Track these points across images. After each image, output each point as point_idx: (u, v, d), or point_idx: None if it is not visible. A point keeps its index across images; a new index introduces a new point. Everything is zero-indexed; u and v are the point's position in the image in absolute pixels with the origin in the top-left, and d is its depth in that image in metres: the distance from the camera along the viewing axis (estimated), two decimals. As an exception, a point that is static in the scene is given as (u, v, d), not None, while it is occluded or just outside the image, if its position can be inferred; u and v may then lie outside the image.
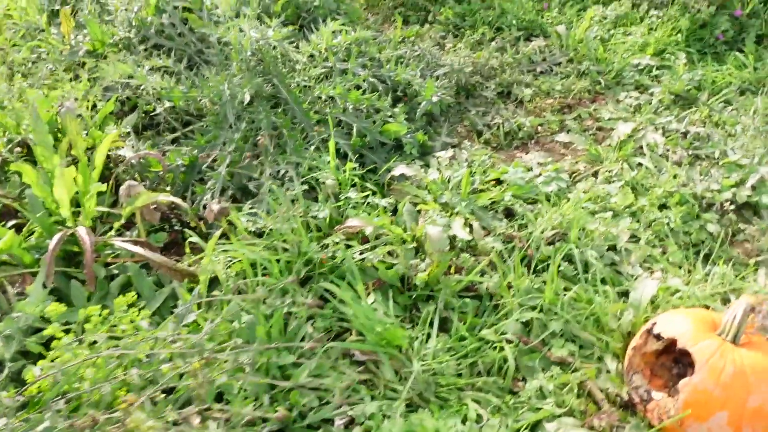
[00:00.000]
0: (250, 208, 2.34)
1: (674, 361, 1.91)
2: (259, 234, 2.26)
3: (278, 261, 2.05)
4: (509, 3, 4.15)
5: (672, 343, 1.79)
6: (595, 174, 2.83)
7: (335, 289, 1.98)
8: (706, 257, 2.39)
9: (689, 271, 2.33)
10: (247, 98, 2.64)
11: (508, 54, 3.59)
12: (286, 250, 2.11)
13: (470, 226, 2.39)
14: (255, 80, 2.74)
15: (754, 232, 2.47)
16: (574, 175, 2.84)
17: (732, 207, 2.52)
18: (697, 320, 1.80)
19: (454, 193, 2.53)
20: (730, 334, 1.74)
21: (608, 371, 1.92)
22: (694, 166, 2.77)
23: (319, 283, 2.06)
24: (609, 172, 2.80)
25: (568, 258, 2.31)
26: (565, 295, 2.11)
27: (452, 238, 2.32)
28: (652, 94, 3.29)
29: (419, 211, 2.45)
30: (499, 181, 2.68)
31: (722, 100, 3.21)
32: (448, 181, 2.65)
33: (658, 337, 1.83)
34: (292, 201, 2.35)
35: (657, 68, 3.52)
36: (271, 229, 2.19)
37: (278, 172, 2.55)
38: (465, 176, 2.53)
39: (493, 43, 3.73)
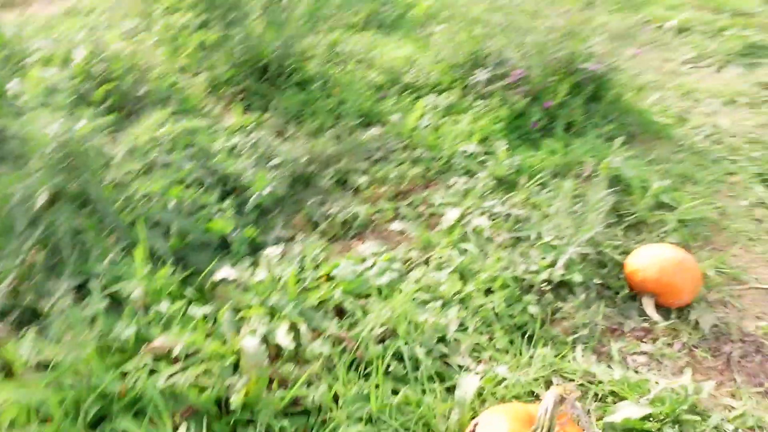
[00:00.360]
0: (37, 334, 2.02)
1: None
2: (47, 365, 1.94)
3: (63, 401, 1.75)
4: (349, 92, 4.28)
5: (494, 445, 1.76)
6: (427, 261, 2.87)
7: (133, 428, 1.72)
8: (530, 338, 2.46)
9: (515, 356, 2.37)
10: (43, 200, 2.34)
11: (345, 142, 3.65)
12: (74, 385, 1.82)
13: (297, 330, 2.26)
14: (56, 179, 2.46)
15: (569, 309, 2.61)
16: (408, 263, 2.85)
17: (549, 287, 2.66)
18: (513, 419, 1.79)
19: (282, 295, 2.40)
20: (544, 430, 1.75)
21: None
22: (516, 248, 2.92)
23: (116, 422, 1.78)
24: (440, 258, 2.85)
25: (399, 355, 2.25)
26: (394, 399, 2.02)
27: (278, 347, 2.17)
28: (478, 179, 3.48)
29: (243, 318, 2.28)
30: (330, 277, 2.61)
31: (538, 183, 3.48)
32: (278, 280, 2.52)
33: (480, 439, 1.79)
34: (92, 320, 2.06)
35: (483, 154, 3.76)
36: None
37: (79, 285, 2.25)
38: (292, 275, 2.42)
39: (331, 131, 3.77)
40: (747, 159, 4.06)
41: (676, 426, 2.08)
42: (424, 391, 2.09)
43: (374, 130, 3.87)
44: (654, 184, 3.33)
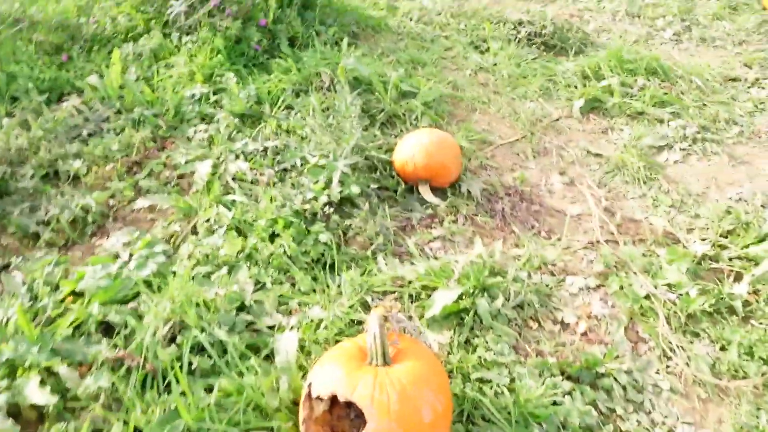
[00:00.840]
0: None
1: (349, 406, 1.70)
2: None
3: None
4: (13, 64, 3.35)
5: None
6: (195, 230, 2.45)
7: None
8: (332, 267, 2.30)
9: (324, 291, 2.19)
10: None
11: (36, 126, 2.86)
12: None
13: (56, 374, 1.72)
14: None
15: (359, 224, 2.49)
16: (173, 239, 2.40)
17: (332, 209, 2.49)
18: (346, 360, 1.61)
19: (17, 341, 1.79)
20: (379, 357, 1.61)
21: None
22: (285, 182, 2.67)
23: None
24: (207, 221, 2.46)
25: (199, 347, 1.88)
26: (210, 399, 1.68)
27: (37, 407, 1.62)
28: (218, 122, 3.07)
29: (-33, 395, 1.64)
30: (78, 293, 2.05)
31: (284, 108, 3.21)
32: (5, 325, 1.89)
33: (319, 398, 1.58)
34: None
35: (213, 94, 3.32)
36: None
37: None
38: (20, 312, 1.82)
39: (11, 120, 2.92)
40: (456, 32, 4.33)
41: (485, 293, 2.15)
42: (241, 374, 1.78)
43: (70, 102, 3.12)
44: (391, 76, 3.32)
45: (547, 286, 2.30)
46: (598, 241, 2.55)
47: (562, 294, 2.29)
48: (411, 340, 1.73)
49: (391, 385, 1.51)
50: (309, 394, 1.59)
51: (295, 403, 1.74)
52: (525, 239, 2.55)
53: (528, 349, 2.06)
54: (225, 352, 1.89)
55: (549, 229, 2.66)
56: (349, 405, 1.69)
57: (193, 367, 1.81)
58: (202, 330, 1.90)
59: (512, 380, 1.91)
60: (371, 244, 2.45)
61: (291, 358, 1.75)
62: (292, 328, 1.98)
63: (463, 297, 2.12)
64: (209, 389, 1.75)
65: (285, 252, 2.30)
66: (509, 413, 1.76)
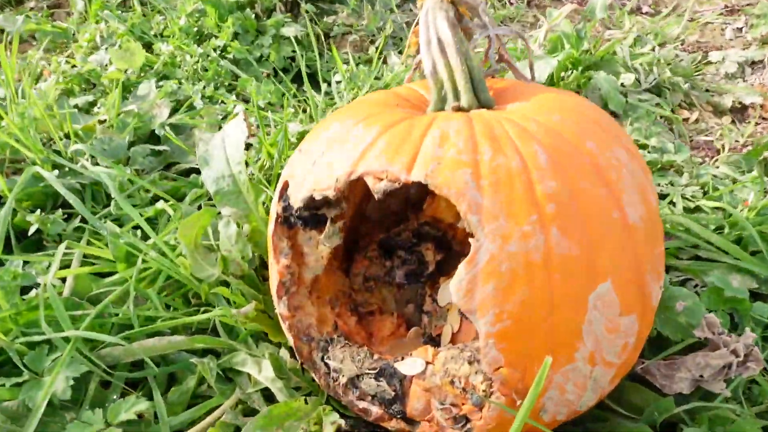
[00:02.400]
0: None
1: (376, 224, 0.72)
2: None
3: None
4: None
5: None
6: (72, 56, 1.41)
7: None
8: (313, 80, 1.29)
9: (302, 102, 1.19)
10: None
11: None
12: None
13: None
14: None
15: (348, 19, 1.48)
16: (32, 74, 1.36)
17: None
18: (378, 110, 0.61)
19: None
20: (465, 88, 0.61)
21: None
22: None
23: None
24: (90, 41, 1.42)
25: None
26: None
27: None
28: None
29: None
30: None
31: None
32: None
33: (311, 213, 0.59)
34: None
35: None
36: None
37: None
38: None
39: None
40: None
41: (595, 70, 1.17)
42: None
43: None
44: None
45: (687, 63, 1.32)
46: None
47: (711, 75, 1.32)
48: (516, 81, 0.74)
49: (523, 137, 0.52)
50: (285, 216, 0.60)
51: (265, 266, 0.77)
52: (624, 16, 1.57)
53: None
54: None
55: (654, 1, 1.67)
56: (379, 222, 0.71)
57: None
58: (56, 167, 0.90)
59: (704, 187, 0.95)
60: (372, 42, 1.44)
61: (235, 158, 0.76)
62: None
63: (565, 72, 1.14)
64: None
65: (225, 54, 1.28)
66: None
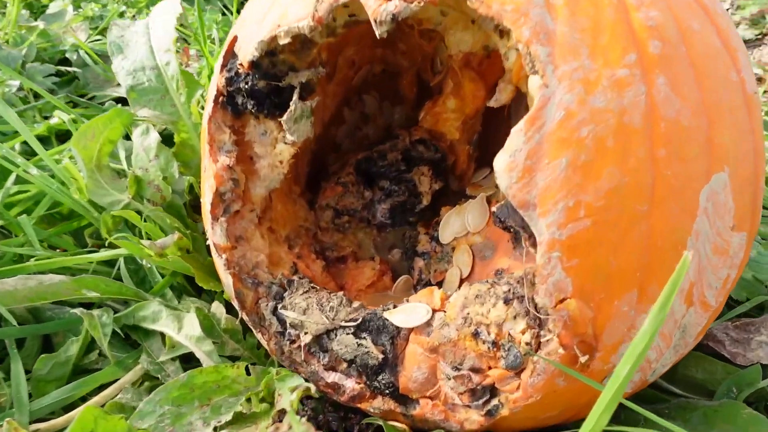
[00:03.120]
0: None
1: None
2: None
3: None
4: None
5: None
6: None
7: None
8: None
9: None
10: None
11: None
12: None
13: None
14: None
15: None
16: None
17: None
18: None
19: None
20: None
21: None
22: None
23: None
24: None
25: None
26: None
27: None
28: None
29: None
30: None
31: None
32: None
33: (269, 85, 0.39)
34: None
35: None
36: None
37: None
38: None
39: None
40: None
41: None
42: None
43: None
44: None
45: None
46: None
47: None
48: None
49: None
50: (228, 67, 0.40)
51: (197, 199, 0.56)
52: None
53: None
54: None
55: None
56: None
57: None
58: None
59: None
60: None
61: (162, 44, 0.55)
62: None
63: None
64: None
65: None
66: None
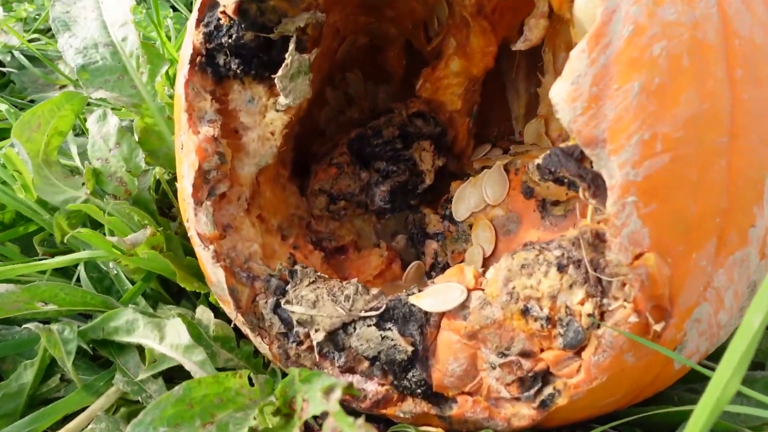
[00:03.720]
0: None
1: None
2: None
3: None
4: None
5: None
6: None
7: None
8: None
9: None
10: None
11: None
12: None
13: None
14: None
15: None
16: None
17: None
18: None
19: None
20: None
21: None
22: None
23: None
24: None
25: None
26: None
27: None
28: None
29: None
30: None
31: None
32: None
33: (258, 38, 0.33)
34: None
35: None
36: None
37: None
38: None
39: None
40: None
41: None
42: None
43: None
44: None
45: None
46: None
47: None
48: None
49: None
50: (206, 21, 0.33)
51: (165, 193, 0.48)
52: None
53: None
54: None
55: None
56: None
57: None
58: None
59: None
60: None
61: (118, 18, 0.48)
62: None
63: None
64: None
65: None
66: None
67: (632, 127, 0.25)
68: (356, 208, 0.49)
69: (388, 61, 0.54)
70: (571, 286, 0.30)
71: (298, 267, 0.37)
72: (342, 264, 0.46)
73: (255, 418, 0.29)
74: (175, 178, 0.52)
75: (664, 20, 0.25)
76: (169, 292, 0.45)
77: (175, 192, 0.52)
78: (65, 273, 0.45)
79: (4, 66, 0.78)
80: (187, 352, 0.35)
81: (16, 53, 0.78)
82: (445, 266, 0.43)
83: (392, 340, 0.34)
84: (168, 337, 0.36)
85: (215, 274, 0.36)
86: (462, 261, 0.42)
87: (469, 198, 0.42)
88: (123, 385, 0.36)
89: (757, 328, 0.20)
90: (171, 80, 0.50)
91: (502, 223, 0.42)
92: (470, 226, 0.43)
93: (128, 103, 0.46)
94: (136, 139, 0.46)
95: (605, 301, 0.30)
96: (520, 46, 0.34)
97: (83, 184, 0.46)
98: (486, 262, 0.41)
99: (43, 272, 0.43)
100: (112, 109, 0.48)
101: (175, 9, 0.96)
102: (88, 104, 0.54)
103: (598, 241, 0.30)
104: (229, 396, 0.31)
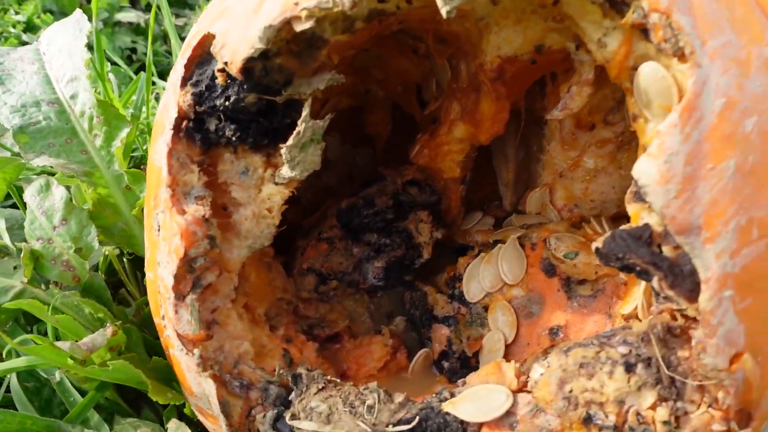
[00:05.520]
0: None
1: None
2: None
3: None
4: None
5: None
6: None
7: None
8: None
9: None
10: None
11: None
12: None
13: None
14: None
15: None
16: None
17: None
18: None
19: None
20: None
21: None
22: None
23: None
24: None
25: None
26: None
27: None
28: None
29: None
30: None
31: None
32: None
33: (260, 100, 0.28)
34: None
35: None
36: None
37: None
38: None
39: None
40: None
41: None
42: None
43: None
44: None
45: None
46: None
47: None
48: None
49: None
50: (194, 79, 0.28)
51: (120, 283, 0.40)
52: None
53: None
54: None
55: None
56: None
57: None
58: None
59: None
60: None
61: (66, 72, 0.41)
62: None
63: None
64: None
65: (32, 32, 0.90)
66: None
67: (729, 211, 0.22)
68: (346, 288, 0.43)
69: (372, 124, 0.50)
70: (639, 389, 0.26)
71: (302, 370, 0.31)
72: (337, 354, 0.39)
73: None
74: (129, 255, 0.44)
75: (753, 93, 0.23)
76: (126, 399, 0.37)
77: (125, 269, 0.44)
78: (-11, 382, 0.36)
79: None
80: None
81: None
82: (461, 355, 0.38)
83: (428, 459, 0.28)
84: (138, 471, 0.28)
85: (200, 385, 0.29)
86: (479, 349, 0.38)
87: (482, 277, 0.38)
88: None
89: None
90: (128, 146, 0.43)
91: (523, 305, 0.37)
92: (485, 308, 0.38)
93: (77, 171, 0.39)
94: (87, 214, 0.39)
95: (679, 404, 0.26)
96: (558, 115, 0.31)
97: (15, 268, 0.38)
98: (508, 350, 0.37)
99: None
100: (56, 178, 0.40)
101: (113, 63, 0.88)
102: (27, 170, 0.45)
103: (669, 336, 0.26)
104: None
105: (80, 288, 0.37)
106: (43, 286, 0.37)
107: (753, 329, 0.23)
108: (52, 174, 0.44)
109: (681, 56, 0.23)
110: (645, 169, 0.22)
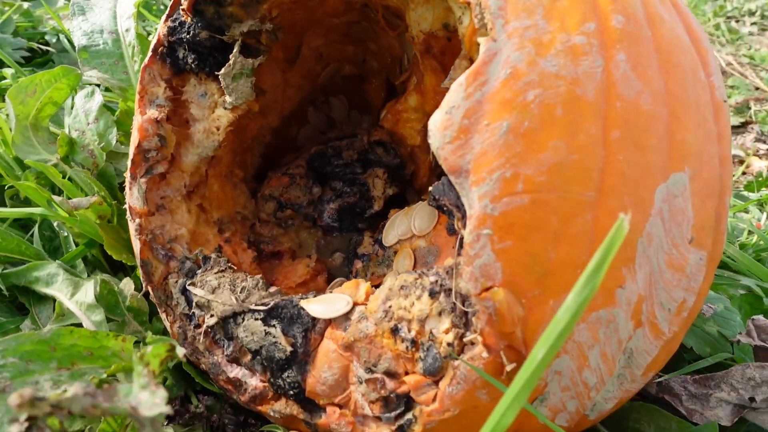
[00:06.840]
0: None
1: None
2: None
3: None
4: None
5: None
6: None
7: None
8: None
9: None
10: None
11: None
12: None
13: None
14: None
15: None
16: None
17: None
18: None
19: None
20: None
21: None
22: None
23: None
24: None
25: None
26: None
27: None
28: None
29: None
30: None
31: None
32: None
33: (213, 38, 0.36)
34: None
35: None
36: None
37: None
38: None
39: None
40: None
41: None
42: None
43: None
44: None
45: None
46: None
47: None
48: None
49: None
50: (173, 17, 0.37)
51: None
52: None
53: None
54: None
55: None
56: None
57: None
58: None
59: None
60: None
61: (126, 11, 0.53)
62: None
63: None
64: None
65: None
66: None
67: (495, 163, 0.27)
68: (304, 221, 0.51)
69: (370, 92, 0.57)
70: (439, 314, 0.31)
71: (213, 255, 0.39)
72: (273, 269, 0.47)
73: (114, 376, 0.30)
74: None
75: (544, 70, 0.27)
76: (112, 266, 0.48)
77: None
78: (26, 229, 0.49)
79: (49, 46, 0.85)
80: (89, 310, 0.37)
81: (62, 37, 0.85)
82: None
83: (274, 337, 0.35)
84: (78, 294, 0.38)
85: (135, 246, 0.39)
86: (379, 285, 0.43)
87: (398, 226, 0.44)
88: (27, 331, 0.38)
89: (537, 364, 0.20)
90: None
91: (423, 254, 0.43)
92: (395, 253, 0.44)
93: (117, 86, 0.50)
94: (114, 119, 0.50)
95: (466, 333, 0.30)
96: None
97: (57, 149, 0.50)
98: (399, 289, 0.42)
99: (3, 221, 0.47)
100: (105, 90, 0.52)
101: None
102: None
103: (470, 273, 0.30)
104: (103, 354, 0.32)
105: (96, 172, 0.49)
106: (72, 164, 0.49)
107: (513, 270, 0.28)
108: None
109: (484, 31, 0.27)
110: (433, 117, 0.27)
